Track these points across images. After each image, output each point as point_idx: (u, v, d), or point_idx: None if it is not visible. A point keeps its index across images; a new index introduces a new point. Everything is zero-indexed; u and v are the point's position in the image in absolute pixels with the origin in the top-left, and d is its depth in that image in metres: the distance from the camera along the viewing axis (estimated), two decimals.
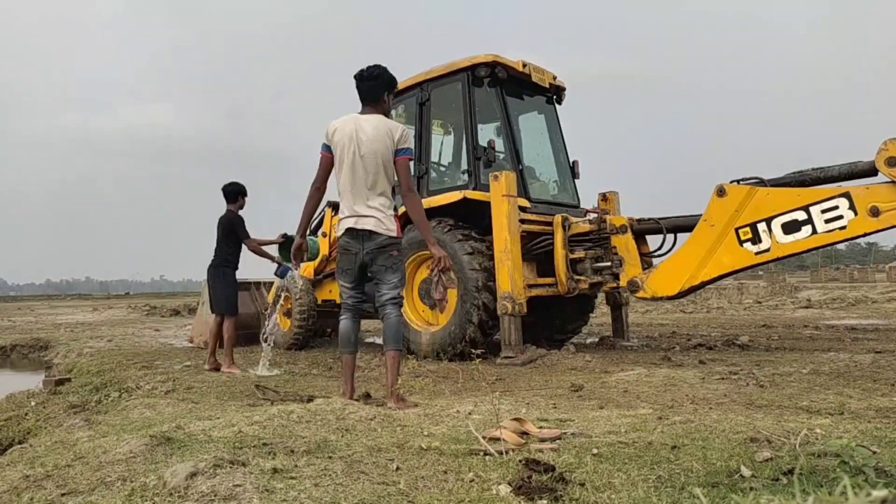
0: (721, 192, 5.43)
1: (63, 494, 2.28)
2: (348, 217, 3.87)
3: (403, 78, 7.51)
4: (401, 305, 3.96)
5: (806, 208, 5.06)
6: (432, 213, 6.70)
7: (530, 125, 7.63)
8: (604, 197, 7.72)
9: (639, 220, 6.32)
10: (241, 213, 6.34)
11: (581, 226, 6.46)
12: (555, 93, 7.71)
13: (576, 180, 7.74)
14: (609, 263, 6.25)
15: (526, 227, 6.37)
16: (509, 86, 7.09)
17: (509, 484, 2.17)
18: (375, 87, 3.88)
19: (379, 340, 9.27)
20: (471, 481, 2.24)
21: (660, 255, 6.26)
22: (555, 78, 7.58)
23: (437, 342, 6.40)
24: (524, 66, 7.08)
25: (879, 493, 0.98)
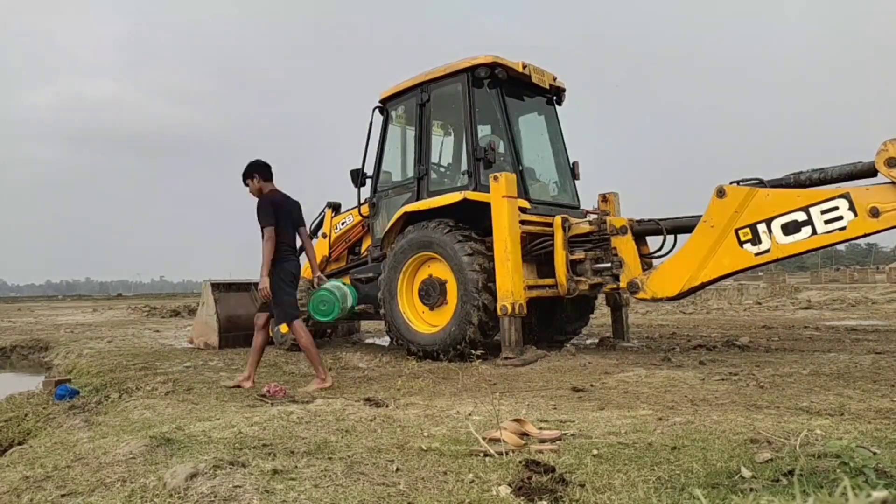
0: (721, 192, 5.44)
1: (63, 495, 2.28)
2: None
3: (404, 79, 7.53)
4: None
5: (806, 209, 5.06)
6: (433, 213, 6.70)
7: (530, 126, 7.64)
8: (604, 198, 7.73)
9: (639, 221, 6.32)
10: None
11: (581, 227, 6.46)
12: (555, 94, 7.72)
13: (576, 181, 7.76)
14: (609, 265, 6.25)
15: (526, 228, 6.38)
16: (509, 87, 7.10)
17: (509, 485, 2.17)
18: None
19: (379, 341, 9.25)
20: (471, 482, 2.24)
21: (660, 257, 6.26)
22: (555, 79, 7.58)
23: (437, 343, 6.41)
24: (524, 66, 7.09)
25: (879, 495, 0.98)
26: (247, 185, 5.24)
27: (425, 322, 6.75)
